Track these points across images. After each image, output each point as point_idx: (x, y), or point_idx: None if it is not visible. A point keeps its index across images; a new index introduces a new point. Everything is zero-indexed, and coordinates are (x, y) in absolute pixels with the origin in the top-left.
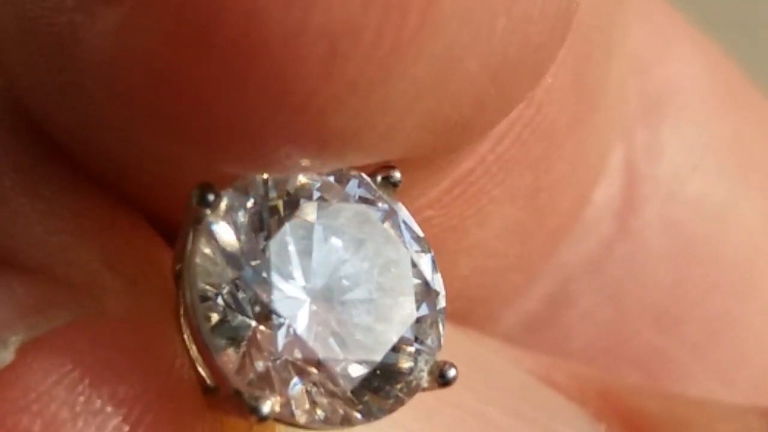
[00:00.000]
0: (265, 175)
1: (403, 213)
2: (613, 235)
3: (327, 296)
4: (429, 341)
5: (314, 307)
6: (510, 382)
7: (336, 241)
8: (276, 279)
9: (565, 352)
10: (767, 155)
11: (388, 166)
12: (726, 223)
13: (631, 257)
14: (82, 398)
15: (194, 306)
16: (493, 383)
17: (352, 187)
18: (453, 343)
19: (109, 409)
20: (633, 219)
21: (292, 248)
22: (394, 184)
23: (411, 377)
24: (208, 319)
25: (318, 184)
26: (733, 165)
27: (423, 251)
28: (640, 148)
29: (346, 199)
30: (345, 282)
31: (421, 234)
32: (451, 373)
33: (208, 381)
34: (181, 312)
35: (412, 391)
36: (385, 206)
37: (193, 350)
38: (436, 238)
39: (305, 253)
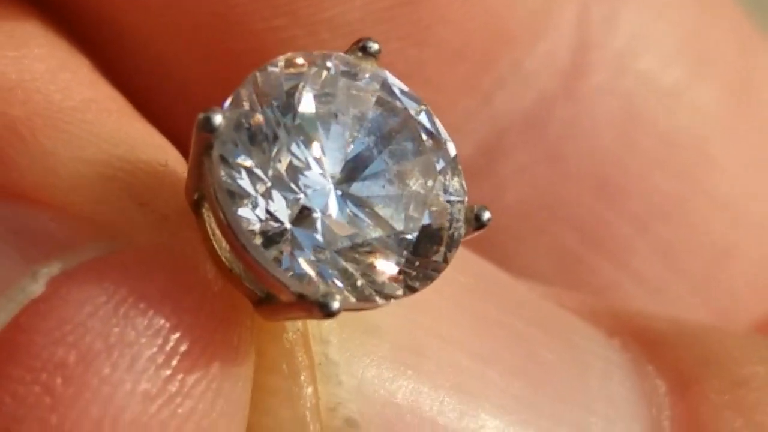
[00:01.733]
0: (257, 79)
1: (389, 77)
2: (557, 96)
3: (348, 177)
4: (454, 191)
5: (339, 192)
6: (529, 300)
7: (339, 125)
8: (297, 178)
9: (499, 205)
10: (725, 47)
11: (363, 39)
12: (678, 104)
13: (575, 120)
14: (116, 329)
15: (234, 225)
16: (513, 298)
17: (334, 68)
18: (473, 263)
19: (143, 340)
20: (580, 83)
21: (302, 145)
22: (373, 54)
23: (452, 230)
24: (252, 234)
25: (303, 75)
26: (691, 51)
27: (420, 107)
28: (596, 18)
29: (333, 82)
30: (360, 160)
31: (410, 91)
32: (486, 215)
33: (259, 293)
34: (211, 236)
35: (456, 242)
36: (372, 76)
37: (238, 268)
38: None
39: (315, 145)
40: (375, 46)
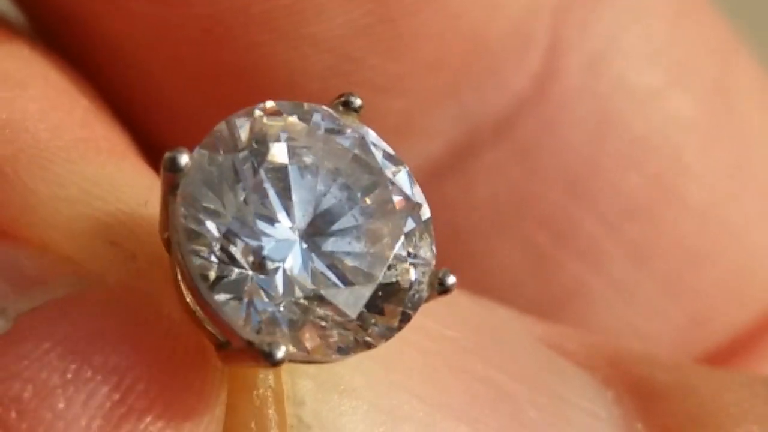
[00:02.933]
0: (235, 123)
1: (371, 135)
2: (529, 97)
3: (315, 231)
4: (422, 253)
5: (305, 245)
6: (520, 349)
7: (311, 178)
8: (262, 225)
9: (469, 203)
10: (703, 54)
11: (346, 93)
12: (652, 109)
13: (546, 121)
14: (73, 366)
15: (189, 268)
16: (502, 350)
17: (317, 121)
18: (464, 312)
19: (99, 377)
20: (553, 85)
21: (271, 193)
22: (356, 110)
23: (412, 291)
24: (206, 278)
25: (282, 125)
26: (668, 57)
27: (398, 167)
28: (571, 21)
29: (312, 134)
30: (329, 215)
31: (392, 152)
32: (450, 279)
33: (219, 338)
34: (179, 277)
35: (416, 304)
36: (353, 132)
37: (198, 311)
38: None
39: (285, 194)
40: (357, 102)
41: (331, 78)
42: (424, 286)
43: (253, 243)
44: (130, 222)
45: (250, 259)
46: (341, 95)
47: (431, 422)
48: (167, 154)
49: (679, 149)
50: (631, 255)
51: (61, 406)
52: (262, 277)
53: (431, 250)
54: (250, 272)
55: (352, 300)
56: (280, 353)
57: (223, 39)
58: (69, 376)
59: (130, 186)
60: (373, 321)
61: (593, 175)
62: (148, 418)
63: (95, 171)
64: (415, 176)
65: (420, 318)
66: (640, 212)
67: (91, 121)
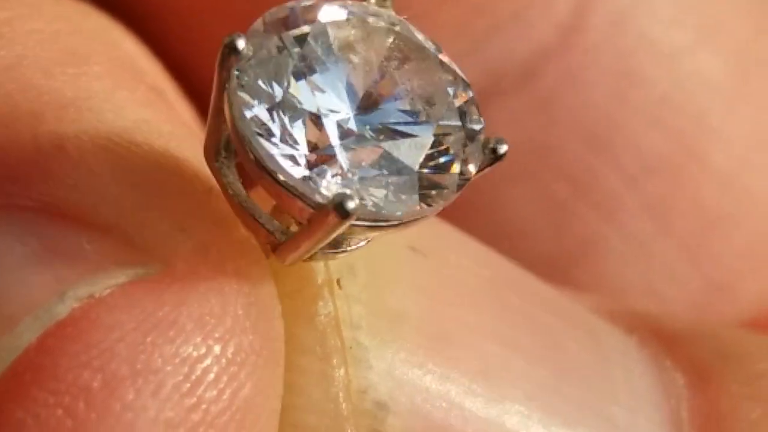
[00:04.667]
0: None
1: (406, 23)
2: (553, 48)
3: (370, 104)
4: (473, 118)
5: (362, 117)
6: (549, 294)
7: (357, 56)
8: (319, 103)
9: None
10: (735, 19)
11: None
12: (678, 68)
13: (569, 73)
14: (143, 356)
15: (256, 150)
16: (534, 290)
17: (355, 7)
18: (496, 257)
19: (169, 368)
20: (578, 38)
21: (322, 75)
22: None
23: (465, 155)
24: (271, 158)
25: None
26: (697, 18)
27: (438, 49)
28: None
29: (352, 18)
30: (380, 86)
31: (428, 38)
32: (503, 148)
33: (278, 237)
34: (229, 189)
35: (467, 173)
36: (391, 17)
37: (258, 213)
38: None
39: (334, 74)
40: None
41: None
42: (477, 153)
43: (313, 117)
44: (196, 208)
45: (313, 138)
46: None
47: (478, 347)
48: (226, 39)
49: (704, 109)
50: (650, 211)
51: (130, 397)
52: (327, 153)
53: (480, 121)
54: (309, 152)
55: (413, 151)
56: (352, 203)
57: None
58: (138, 366)
59: (192, 172)
60: (431, 181)
61: (614, 129)
62: (215, 410)
63: (158, 156)
64: None
65: (458, 258)
66: (661, 170)
67: (153, 101)
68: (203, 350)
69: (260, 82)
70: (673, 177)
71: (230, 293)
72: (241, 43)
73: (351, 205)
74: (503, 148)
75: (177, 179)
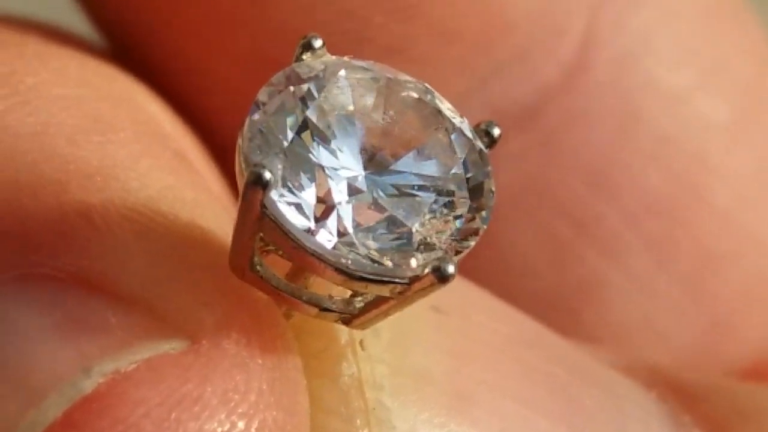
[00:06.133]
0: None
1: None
2: (557, 87)
3: (377, 164)
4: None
5: (373, 178)
6: (569, 351)
7: (356, 119)
8: (332, 171)
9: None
10: (739, 59)
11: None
12: (681, 108)
13: (572, 113)
14: None
15: (319, 247)
16: (553, 347)
17: (340, 66)
18: (514, 314)
19: None
20: (581, 77)
21: (327, 142)
22: None
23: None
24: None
25: (319, 79)
26: (702, 59)
27: (460, 118)
28: (606, 17)
29: (343, 78)
30: (383, 144)
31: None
32: (496, 131)
33: (349, 312)
34: (278, 287)
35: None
36: (375, 67)
37: (328, 301)
38: None
39: (340, 139)
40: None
41: (336, 34)
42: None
43: (334, 186)
44: (220, 281)
45: (341, 201)
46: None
47: (499, 407)
48: (249, 171)
49: (705, 150)
50: (652, 251)
51: None
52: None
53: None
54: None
55: (418, 213)
56: (452, 267)
57: None
58: None
59: (216, 242)
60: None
61: (616, 169)
62: None
63: (183, 226)
64: None
65: (478, 315)
66: (663, 209)
67: (178, 167)
68: (227, 426)
69: (272, 160)
70: (674, 216)
71: (254, 368)
72: (267, 175)
73: (451, 269)
74: (496, 131)
75: (201, 251)
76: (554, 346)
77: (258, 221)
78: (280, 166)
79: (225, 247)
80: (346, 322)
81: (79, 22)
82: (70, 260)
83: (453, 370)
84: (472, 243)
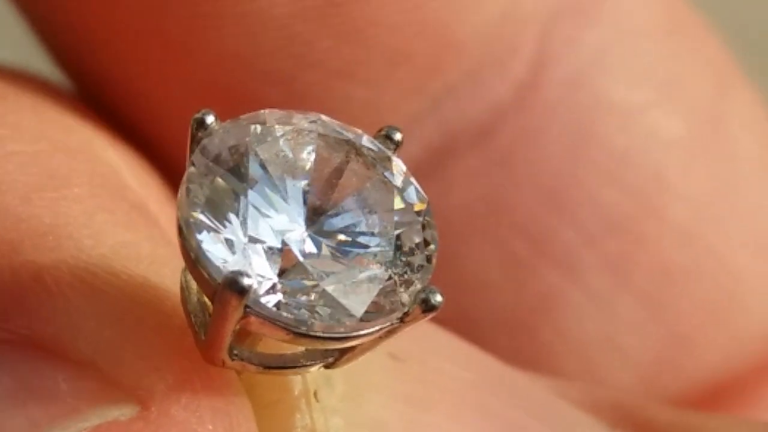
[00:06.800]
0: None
1: (324, 117)
2: (509, 106)
3: (316, 218)
4: (411, 200)
5: (312, 232)
6: (531, 392)
7: (289, 176)
8: (270, 227)
9: (445, 206)
10: (696, 77)
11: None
12: (636, 126)
13: (526, 131)
14: None
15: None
16: (515, 391)
17: (272, 119)
18: (476, 356)
19: None
20: (534, 96)
21: (264, 203)
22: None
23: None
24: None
25: (251, 138)
26: (657, 76)
27: (358, 133)
28: (559, 35)
29: (273, 133)
30: (321, 199)
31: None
32: (437, 298)
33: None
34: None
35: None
36: (308, 117)
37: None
38: None
39: (275, 198)
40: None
41: (283, 59)
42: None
43: (272, 244)
44: (172, 346)
45: (273, 264)
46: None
47: None
48: (228, 274)
49: (662, 167)
50: (610, 268)
51: None
52: (290, 277)
53: (419, 191)
54: (276, 279)
55: (380, 260)
56: (438, 296)
57: (167, 9)
58: None
59: (170, 304)
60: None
61: (572, 187)
62: None
63: (135, 286)
64: None
65: (438, 361)
66: (619, 226)
67: (134, 220)
68: None
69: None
70: (631, 233)
71: None
72: (246, 282)
73: (438, 297)
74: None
75: (154, 313)
76: (517, 388)
77: (240, 320)
78: (233, 246)
79: (178, 310)
80: (329, 366)
81: (42, 63)
82: (22, 323)
83: (410, 420)
84: (434, 247)
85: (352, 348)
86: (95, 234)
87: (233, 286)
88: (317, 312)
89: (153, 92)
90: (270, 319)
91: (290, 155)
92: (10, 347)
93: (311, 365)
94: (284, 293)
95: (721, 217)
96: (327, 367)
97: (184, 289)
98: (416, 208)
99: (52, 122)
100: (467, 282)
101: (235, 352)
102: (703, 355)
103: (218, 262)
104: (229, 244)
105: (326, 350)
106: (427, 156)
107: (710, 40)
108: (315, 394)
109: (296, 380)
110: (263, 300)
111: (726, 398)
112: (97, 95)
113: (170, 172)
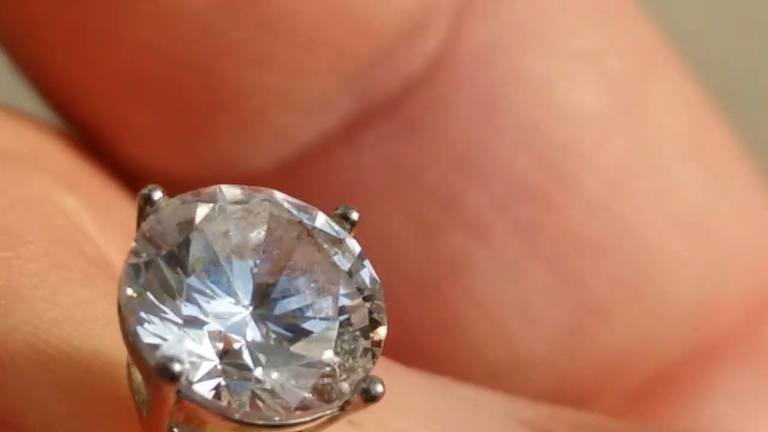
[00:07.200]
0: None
1: (278, 195)
2: (421, 76)
3: (262, 302)
4: (363, 282)
5: (257, 316)
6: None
7: (236, 257)
8: (211, 312)
9: (357, 171)
10: (615, 49)
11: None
12: (548, 98)
13: (437, 100)
14: None
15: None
16: None
17: (225, 199)
18: (442, 405)
19: None
20: (446, 66)
21: (208, 284)
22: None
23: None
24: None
25: (197, 217)
26: (573, 49)
27: (313, 212)
28: (473, 11)
29: (223, 214)
30: (267, 282)
31: (301, 203)
32: (378, 388)
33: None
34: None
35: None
36: (262, 198)
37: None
38: None
39: (221, 280)
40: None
41: (199, 49)
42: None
43: (213, 330)
44: (122, 419)
45: (212, 348)
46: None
47: None
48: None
49: (575, 139)
50: (519, 234)
51: None
52: (231, 361)
53: (373, 276)
54: (217, 361)
55: (320, 347)
56: (380, 387)
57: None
58: None
59: (125, 377)
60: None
61: (483, 155)
62: None
63: (90, 352)
64: (305, 149)
65: (399, 422)
66: (529, 194)
67: (92, 276)
68: None
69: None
70: (541, 201)
71: None
72: (177, 368)
73: (379, 388)
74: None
75: (106, 382)
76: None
77: (175, 404)
78: (172, 330)
79: (136, 384)
80: None
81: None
82: None
83: None
84: (382, 332)
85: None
86: (49, 295)
87: (164, 373)
88: (258, 397)
89: (83, 82)
90: (203, 405)
91: (239, 235)
92: None
93: None
94: (225, 376)
95: (637, 193)
96: None
97: (129, 365)
98: (366, 293)
99: (10, 175)
100: (377, 244)
101: (176, 430)
102: (616, 328)
103: (153, 346)
104: (167, 326)
105: None
106: (341, 128)
107: (639, 23)
108: None
109: None
110: (202, 384)
111: (642, 379)
112: (45, 89)
113: (120, 171)
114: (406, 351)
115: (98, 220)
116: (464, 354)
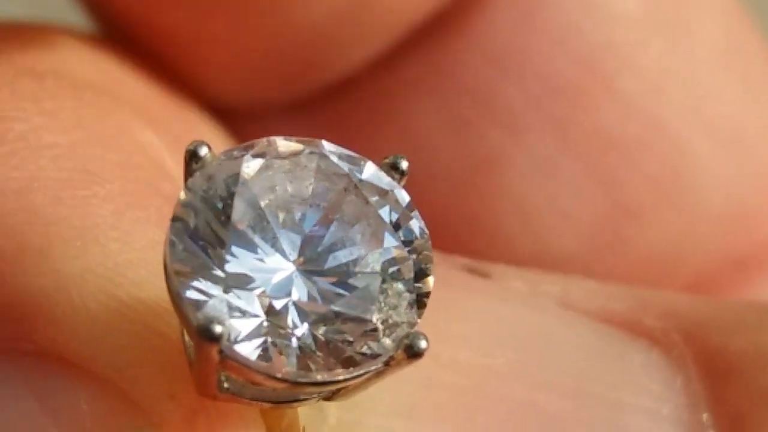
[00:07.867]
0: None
1: (326, 145)
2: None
3: (309, 257)
4: (412, 234)
5: (303, 271)
6: (569, 354)
7: (284, 212)
8: (256, 270)
9: (390, 70)
10: None
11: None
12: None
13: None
14: None
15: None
16: (547, 362)
17: (271, 152)
18: (499, 324)
19: None
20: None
21: (256, 237)
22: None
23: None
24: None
25: (245, 171)
26: None
27: (362, 163)
28: None
29: (270, 168)
30: (315, 236)
31: (351, 153)
32: (423, 344)
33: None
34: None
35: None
36: (309, 150)
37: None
38: None
39: (268, 234)
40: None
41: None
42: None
43: (257, 290)
44: (186, 371)
45: (259, 305)
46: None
47: None
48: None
49: (613, 39)
50: (554, 131)
51: None
52: (276, 318)
53: (422, 228)
54: (264, 317)
55: (364, 303)
56: (423, 342)
57: None
58: None
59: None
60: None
61: (520, 52)
62: None
63: (158, 297)
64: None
65: (450, 350)
66: (566, 93)
67: (168, 215)
68: None
69: (197, 269)
70: (577, 99)
71: None
72: (218, 329)
73: (423, 344)
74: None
75: (171, 330)
76: (550, 353)
77: (219, 364)
78: (217, 287)
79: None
80: (327, 399)
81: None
82: (47, 335)
83: None
84: (431, 282)
85: (345, 386)
86: (124, 235)
87: (205, 334)
88: (304, 354)
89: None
90: (245, 365)
91: (286, 189)
92: (35, 360)
93: (306, 400)
94: (271, 334)
95: (673, 95)
96: (325, 399)
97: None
98: (414, 245)
99: (90, 106)
100: (413, 136)
101: (226, 385)
102: (649, 230)
103: (196, 304)
104: (213, 283)
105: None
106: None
107: None
108: (303, 429)
109: (284, 414)
110: (246, 343)
111: (677, 288)
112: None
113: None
114: (439, 246)
115: (176, 153)
116: (496, 249)
